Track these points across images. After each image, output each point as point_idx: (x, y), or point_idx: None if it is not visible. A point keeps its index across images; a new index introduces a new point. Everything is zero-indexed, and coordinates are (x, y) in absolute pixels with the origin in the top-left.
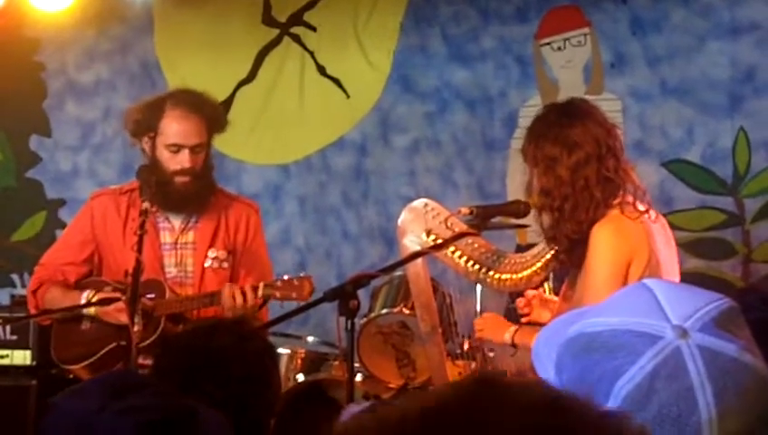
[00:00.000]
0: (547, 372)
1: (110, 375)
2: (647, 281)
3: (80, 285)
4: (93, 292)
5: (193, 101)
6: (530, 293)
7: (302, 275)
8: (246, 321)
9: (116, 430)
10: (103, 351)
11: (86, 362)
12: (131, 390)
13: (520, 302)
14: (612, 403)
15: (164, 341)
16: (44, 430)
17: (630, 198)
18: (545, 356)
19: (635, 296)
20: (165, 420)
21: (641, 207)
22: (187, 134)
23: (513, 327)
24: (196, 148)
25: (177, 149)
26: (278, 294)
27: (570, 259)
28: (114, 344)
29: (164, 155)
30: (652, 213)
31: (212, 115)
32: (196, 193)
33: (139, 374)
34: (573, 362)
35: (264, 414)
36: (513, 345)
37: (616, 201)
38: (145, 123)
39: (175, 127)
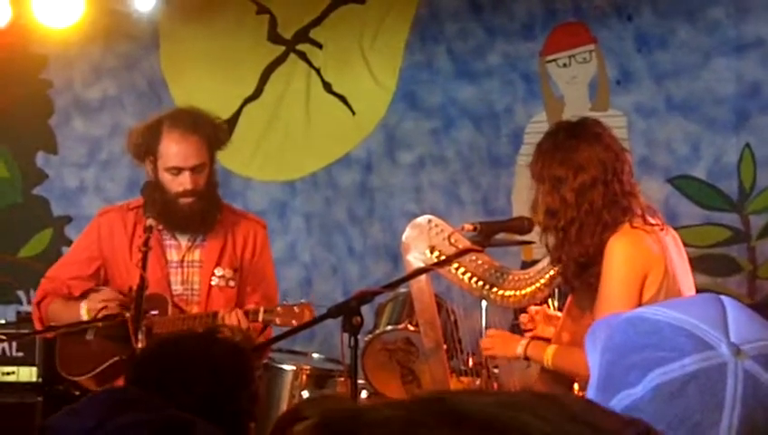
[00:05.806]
0: (595, 351)
1: (104, 393)
2: (722, 296)
3: (82, 297)
4: (97, 304)
5: (190, 122)
6: (533, 308)
7: (302, 301)
8: (216, 329)
9: None
10: (107, 363)
11: (91, 374)
12: (125, 407)
13: (524, 317)
14: (640, 388)
15: (135, 354)
16: None
17: (640, 212)
18: (598, 339)
19: (705, 304)
20: None
21: (652, 221)
22: (186, 156)
23: (525, 340)
24: (196, 168)
25: (177, 171)
26: (278, 321)
27: (579, 282)
28: (117, 358)
29: (166, 177)
30: (664, 227)
31: (211, 133)
32: (201, 213)
33: (134, 391)
34: (621, 339)
35: (240, 417)
36: (526, 358)
37: (625, 218)
38: (145, 147)
39: (173, 149)
